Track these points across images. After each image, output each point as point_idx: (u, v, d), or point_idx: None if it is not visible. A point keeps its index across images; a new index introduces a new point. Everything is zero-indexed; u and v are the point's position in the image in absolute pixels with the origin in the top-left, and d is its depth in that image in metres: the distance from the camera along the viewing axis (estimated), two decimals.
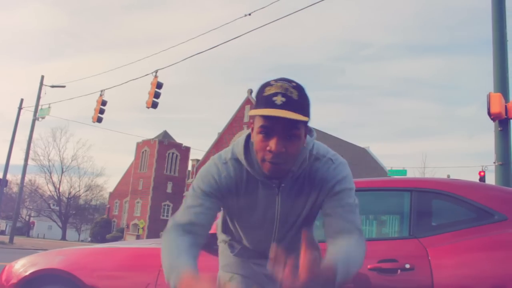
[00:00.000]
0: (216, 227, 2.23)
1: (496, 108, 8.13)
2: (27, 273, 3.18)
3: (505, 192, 2.71)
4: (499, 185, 8.48)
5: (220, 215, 2.13)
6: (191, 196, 1.70)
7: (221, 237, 2.10)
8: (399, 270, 2.37)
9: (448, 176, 49.08)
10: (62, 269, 3.14)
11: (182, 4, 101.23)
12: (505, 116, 8.31)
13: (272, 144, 1.50)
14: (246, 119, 43.03)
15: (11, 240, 24.66)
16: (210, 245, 2.80)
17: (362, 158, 51.70)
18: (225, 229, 2.02)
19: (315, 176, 1.69)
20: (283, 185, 1.67)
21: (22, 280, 3.16)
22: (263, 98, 1.51)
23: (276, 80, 1.54)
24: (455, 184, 2.73)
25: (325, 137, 48.19)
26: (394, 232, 2.98)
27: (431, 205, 2.67)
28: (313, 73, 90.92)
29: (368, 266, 2.39)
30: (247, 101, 43.96)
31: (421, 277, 2.35)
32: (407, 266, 2.37)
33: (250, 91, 44.01)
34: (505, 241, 2.40)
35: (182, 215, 1.67)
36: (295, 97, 1.50)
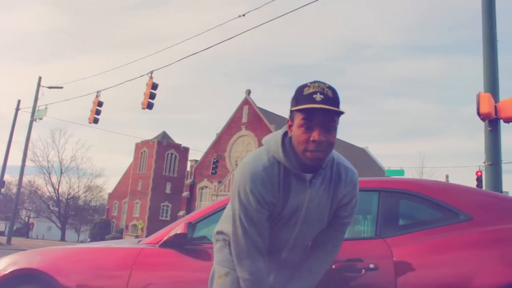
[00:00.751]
0: (218, 224, 2.27)
1: (486, 108, 8.13)
2: (7, 272, 3.20)
3: (471, 192, 2.72)
4: (490, 185, 8.50)
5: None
6: (255, 211, 1.89)
7: (222, 235, 2.17)
8: (363, 270, 2.38)
9: (447, 176, 49.01)
10: (40, 269, 3.16)
11: (181, 5, 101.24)
12: (495, 116, 8.32)
13: (315, 134, 1.76)
14: (244, 120, 43.07)
15: (8, 241, 24.68)
16: (181, 245, 2.84)
17: (360, 158, 51.72)
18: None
19: (338, 180, 1.96)
20: (313, 180, 1.89)
21: (1, 279, 3.18)
22: (304, 97, 1.79)
23: (312, 82, 1.84)
24: (422, 184, 2.74)
25: None
26: (362, 232, 3.00)
27: (398, 205, 2.68)
28: (313, 73, 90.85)
29: (334, 266, 2.40)
30: (245, 102, 43.97)
31: (385, 277, 2.36)
32: (371, 266, 2.38)
33: (249, 92, 44.04)
34: (469, 241, 2.41)
35: (253, 235, 1.92)
36: (331, 95, 1.79)
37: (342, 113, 1.79)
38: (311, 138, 1.77)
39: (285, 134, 1.92)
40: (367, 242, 2.58)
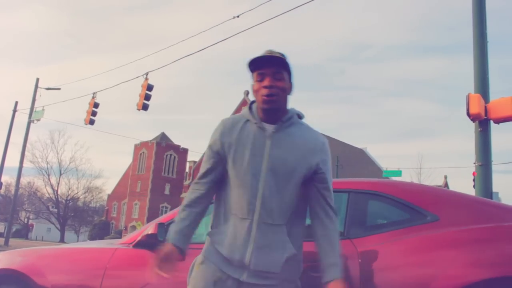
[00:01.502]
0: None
1: (475, 109, 8.15)
2: None
3: (438, 192, 2.74)
4: (480, 186, 8.52)
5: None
6: (205, 154, 2.23)
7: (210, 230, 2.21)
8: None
9: (446, 176, 49.04)
10: (19, 270, 3.19)
11: (181, 6, 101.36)
12: (485, 117, 8.33)
13: (266, 81, 2.06)
14: None
15: (6, 242, 24.69)
16: (152, 246, 2.86)
17: (359, 159, 51.70)
18: (216, 214, 2.19)
19: (306, 138, 2.12)
20: (273, 131, 2.08)
21: None
22: (254, 59, 2.07)
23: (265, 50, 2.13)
24: (390, 185, 2.76)
25: None
26: None
27: (367, 206, 2.70)
28: (313, 74, 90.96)
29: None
30: (244, 103, 43.99)
31: (350, 277, 2.38)
32: None
33: (247, 93, 44.05)
34: (435, 241, 2.43)
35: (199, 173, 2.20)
36: (278, 55, 2.09)
37: (287, 64, 2.08)
38: (263, 85, 2.06)
39: (253, 102, 2.20)
40: None
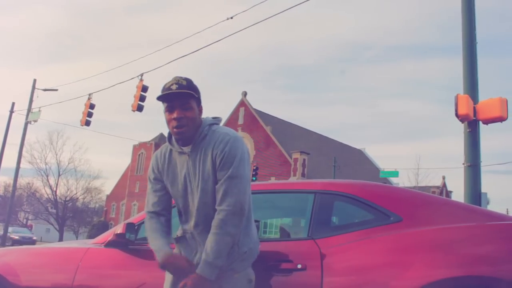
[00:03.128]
0: None
1: (464, 109, 8.17)
2: None
3: (402, 193, 2.77)
4: (469, 186, 8.53)
5: None
6: (148, 185, 2.46)
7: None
8: (292, 271, 2.43)
9: (444, 177, 49.02)
10: None
11: (182, 8, 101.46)
12: (473, 118, 8.36)
13: (174, 113, 2.24)
14: (240, 121, 43.11)
15: (3, 243, 24.72)
16: (125, 245, 2.90)
17: (357, 160, 51.72)
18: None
19: (210, 144, 2.29)
20: (190, 151, 2.30)
21: None
22: (164, 89, 2.26)
23: (171, 78, 2.30)
24: (356, 186, 2.78)
25: (320, 139, 48.25)
26: (296, 234, 3.03)
27: (332, 207, 2.72)
28: (313, 74, 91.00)
29: (262, 266, 2.44)
30: (242, 103, 44.01)
31: (312, 277, 2.40)
32: (299, 266, 2.43)
33: (245, 93, 44.07)
34: (396, 242, 2.45)
35: (147, 203, 2.45)
36: (184, 83, 2.27)
37: (192, 94, 2.25)
38: (173, 117, 2.24)
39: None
40: (298, 243, 2.62)
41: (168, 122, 2.28)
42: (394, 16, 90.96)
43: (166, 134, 2.41)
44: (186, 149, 2.32)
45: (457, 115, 8.26)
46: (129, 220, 3.02)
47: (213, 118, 2.42)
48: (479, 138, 8.57)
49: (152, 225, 2.38)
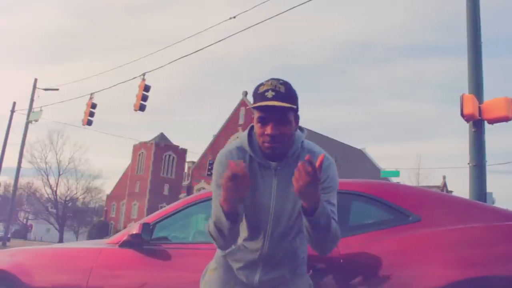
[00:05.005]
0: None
1: (469, 109, 8.16)
2: None
3: (420, 193, 2.77)
4: (474, 186, 8.53)
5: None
6: (213, 191, 2.04)
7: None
8: (310, 270, 2.42)
9: (444, 177, 49.04)
10: (7, 270, 3.21)
11: (183, 8, 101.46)
12: (479, 117, 8.35)
13: (268, 129, 1.92)
14: (241, 121, 43.09)
15: (4, 243, 24.70)
16: (139, 245, 2.89)
17: (357, 159, 51.73)
18: None
19: None
20: (279, 168, 2.01)
21: None
22: (257, 95, 1.95)
23: (267, 80, 1.97)
24: (373, 186, 2.78)
25: (321, 138, 48.24)
26: None
27: (350, 207, 2.72)
28: (313, 74, 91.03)
29: None
30: (242, 103, 43.99)
31: (332, 277, 2.40)
32: (319, 266, 2.42)
33: (245, 93, 44.05)
34: (417, 242, 2.45)
35: (213, 211, 1.99)
36: (283, 91, 1.93)
37: (293, 107, 1.93)
38: (266, 132, 1.93)
39: (251, 128, 2.09)
40: None
41: (259, 135, 1.98)
42: (395, 16, 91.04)
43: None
44: (274, 164, 2.02)
45: (462, 114, 8.25)
46: (144, 220, 3.00)
47: (300, 130, 2.11)
48: (484, 138, 8.57)
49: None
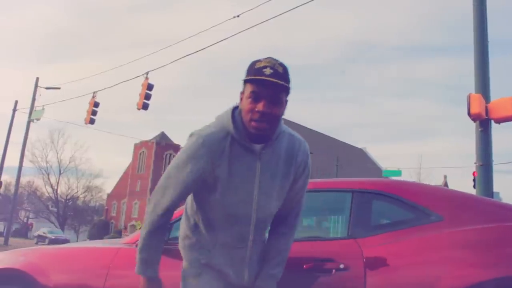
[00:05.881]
0: (181, 224, 2.27)
1: (476, 108, 8.16)
2: None
3: (442, 192, 2.75)
4: (481, 186, 8.52)
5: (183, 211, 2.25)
6: (176, 172, 2.01)
7: (188, 235, 2.16)
8: (334, 270, 2.41)
9: (445, 176, 48.99)
10: (21, 269, 3.19)
11: (184, 7, 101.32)
12: (485, 117, 8.34)
13: (260, 105, 1.83)
14: None
15: (6, 242, 24.68)
16: None
17: (358, 159, 51.72)
18: (194, 226, 2.13)
19: (293, 151, 2.01)
20: (263, 151, 1.93)
21: None
22: (254, 70, 1.86)
23: (264, 58, 1.89)
24: (394, 185, 2.76)
25: (321, 137, 48.20)
26: (335, 233, 3.01)
27: (371, 206, 2.70)
28: (314, 73, 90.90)
29: (305, 266, 2.43)
30: None
31: (355, 277, 2.38)
32: (342, 266, 2.40)
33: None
34: (439, 242, 2.43)
35: (164, 193, 2.06)
36: (281, 71, 1.86)
37: (288, 88, 1.87)
38: (256, 108, 1.84)
39: (236, 108, 1.99)
40: (339, 243, 2.60)
41: (247, 110, 1.87)
42: (396, 16, 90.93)
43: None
44: (258, 147, 1.93)
45: (469, 114, 8.25)
46: None
47: None
48: (491, 138, 8.56)
49: (159, 228, 2.04)
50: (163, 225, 2.06)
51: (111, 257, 2.97)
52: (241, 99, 1.93)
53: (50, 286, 3.01)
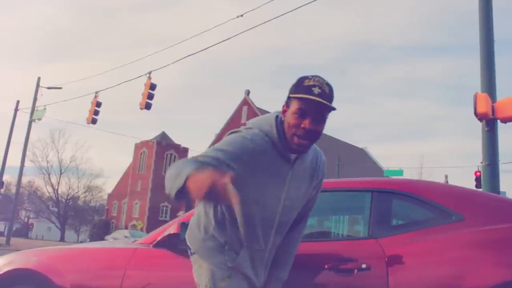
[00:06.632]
0: (199, 225, 2.23)
1: (482, 108, 8.14)
2: (2, 272, 3.21)
3: (463, 192, 2.73)
4: (487, 185, 8.50)
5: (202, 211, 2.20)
6: (207, 153, 1.93)
7: (213, 236, 2.13)
8: (355, 270, 2.39)
9: (446, 176, 48.97)
10: (35, 269, 3.17)
11: (186, 7, 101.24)
12: (492, 116, 8.32)
13: (306, 122, 1.92)
14: (243, 120, 43.01)
15: (8, 242, 24.66)
16: (174, 245, 2.85)
17: (359, 159, 51.71)
18: (220, 226, 2.10)
19: (317, 162, 2.16)
20: (297, 161, 2.04)
21: None
22: (303, 87, 1.94)
23: (313, 76, 1.99)
24: (415, 185, 2.75)
25: (323, 137, 48.16)
26: (355, 233, 3.00)
27: (391, 206, 2.68)
28: (315, 73, 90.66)
29: (326, 266, 2.41)
30: (244, 102, 44.00)
31: (377, 277, 2.36)
32: (363, 266, 2.39)
33: (248, 92, 44.06)
34: (461, 241, 2.42)
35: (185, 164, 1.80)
36: (327, 91, 1.95)
37: (334, 109, 1.96)
38: (302, 125, 1.93)
39: (276, 117, 2.06)
40: (360, 242, 2.59)
41: (292, 125, 1.95)
42: (397, 16, 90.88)
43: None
44: (293, 157, 2.04)
45: (476, 113, 8.22)
46: (180, 220, 2.96)
47: None
48: (497, 137, 8.54)
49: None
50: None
51: (128, 257, 2.95)
52: (284, 111, 2.02)
53: (67, 287, 3.00)
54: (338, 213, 3.07)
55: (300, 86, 1.96)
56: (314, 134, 1.95)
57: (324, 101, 1.91)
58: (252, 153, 1.96)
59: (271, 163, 2.00)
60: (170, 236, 2.79)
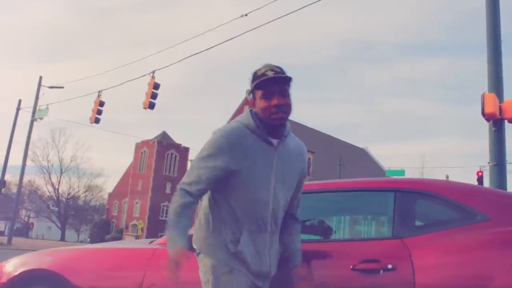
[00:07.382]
0: (201, 225, 2.26)
1: (490, 108, 8.13)
2: (17, 273, 3.20)
3: (488, 192, 2.72)
4: (494, 186, 8.48)
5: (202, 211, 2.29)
6: (203, 160, 2.17)
7: (214, 228, 2.22)
8: (381, 271, 2.38)
9: (447, 176, 49.05)
10: (51, 270, 3.15)
11: (189, 6, 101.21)
12: (499, 116, 8.31)
13: (275, 100, 2.11)
14: None
15: (9, 241, 24.65)
16: (192, 246, 2.83)
17: (360, 158, 51.70)
18: (219, 216, 2.22)
19: (300, 149, 2.33)
20: (279, 145, 2.20)
21: (12, 280, 3.17)
22: (258, 76, 2.15)
23: (262, 65, 2.20)
24: (439, 185, 2.73)
25: (324, 137, 48.20)
26: (378, 233, 2.98)
27: (414, 206, 2.67)
28: (316, 73, 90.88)
29: (351, 266, 2.40)
30: (246, 102, 43.94)
31: (403, 277, 2.35)
32: (389, 266, 2.37)
33: (249, 92, 44.00)
34: (487, 241, 2.41)
35: (190, 176, 2.19)
36: (279, 70, 2.17)
37: (290, 78, 2.16)
38: (272, 103, 2.12)
39: (250, 111, 2.24)
40: (385, 243, 2.58)
41: (264, 109, 2.14)
42: (397, 16, 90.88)
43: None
44: (275, 141, 2.20)
45: (483, 113, 8.22)
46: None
47: None
48: (504, 137, 8.53)
49: (185, 209, 2.14)
50: (189, 205, 2.18)
51: (147, 258, 2.93)
52: (253, 103, 2.21)
53: (84, 287, 2.98)
54: (361, 213, 3.05)
55: (256, 75, 2.17)
56: (285, 106, 2.14)
57: (280, 75, 2.13)
58: (240, 143, 2.14)
59: (256, 149, 2.16)
60: (189, 237, 2.77)
